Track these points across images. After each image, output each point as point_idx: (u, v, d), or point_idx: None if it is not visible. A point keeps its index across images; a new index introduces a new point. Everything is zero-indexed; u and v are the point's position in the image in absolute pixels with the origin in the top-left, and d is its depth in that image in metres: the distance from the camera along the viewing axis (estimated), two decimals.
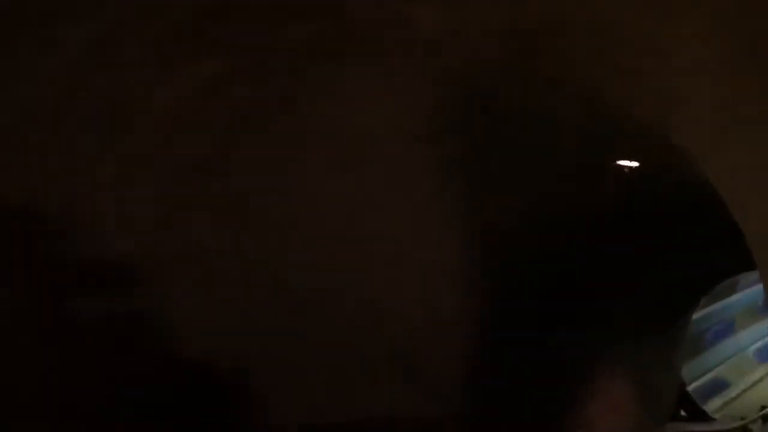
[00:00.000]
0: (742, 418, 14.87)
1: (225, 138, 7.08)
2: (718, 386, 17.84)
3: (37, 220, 6.00)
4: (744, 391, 18.11)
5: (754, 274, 20.01)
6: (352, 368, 9.00)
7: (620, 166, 9.00)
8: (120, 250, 6.65)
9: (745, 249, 13.03)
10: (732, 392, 17.92)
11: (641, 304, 13.64)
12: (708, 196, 8.93)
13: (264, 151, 7.23)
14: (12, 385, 6.25)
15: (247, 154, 7.21)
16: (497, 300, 10.10)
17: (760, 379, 18.85)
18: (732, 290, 19.78)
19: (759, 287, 21.46)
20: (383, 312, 8.98)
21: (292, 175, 7.48)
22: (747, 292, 20.84)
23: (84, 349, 6.59)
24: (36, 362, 6.44)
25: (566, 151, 8.33)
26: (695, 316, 17.17)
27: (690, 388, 16.81)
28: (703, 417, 16.29)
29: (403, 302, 9.15)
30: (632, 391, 14.30)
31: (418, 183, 8.52)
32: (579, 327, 12.13)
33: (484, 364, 10.15)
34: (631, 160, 8.51)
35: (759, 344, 20.22)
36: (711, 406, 16.92)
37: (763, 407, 15.68)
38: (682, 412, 16.45)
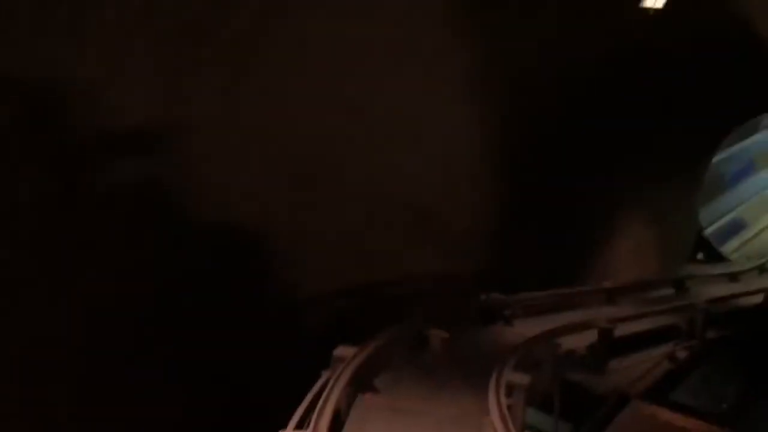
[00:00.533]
0: (759, 259, 14.99)
1: None
2: (735, 227, 17.94)
3: (55, 97, 5.80)
4: (761, 231, 18.23)
5: None
6: (375, 230, 9.00)
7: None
8: (133, 119, 6.42)
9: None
10: (749, 233, 18.05)
11: (666, 146, 13.37)
12: (741, 32, 8.45)
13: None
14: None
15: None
16: (520, 151, 9.89)
17: None
18: (754, 131, 19.44)
19: None
20: (402, 175, 8.83)
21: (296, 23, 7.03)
22: (766, 132, 20.50)
23: (118, 216, 6.57)
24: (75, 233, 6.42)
25: None
26: (715, 158, 16.97)
27: (708, 231, 16.89)
28: (720, 258, 16.48)
29: (422, 165, 8.98)
30: (653, 234, 14.38)
31: (433, 35, 8.06)
32: (605, 172, 11.97)
33: (508, 218, 10.11)
34: None
35: None
36: (728, 247, 17.09)
37: None
38: (700, 254, 16.63)
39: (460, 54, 8.44)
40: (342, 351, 5.75)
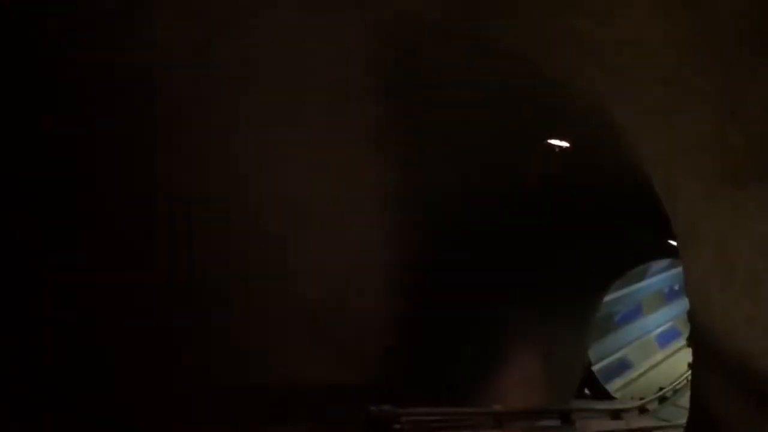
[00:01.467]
0: (641, 398, 15.55)
1: None
2: (621, 367, 18.62)
3: None
4: (644, 372, 18.98)
5: (662, 263, 21.01)
6: (253, 328, 8.77)
7: (553, 144, 9.04)
8: None
9: (659, 237, 13.49)
10: (633, 373, 18.74)
11: (558, 281, 13.97)
12: (637, 179, 9.13)
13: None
14: None
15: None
16: (419, 270, 10.08)
17: (659, 363, 19.84)
18: (642, 276, 20.70)
19: (665, 275, 22.56)
20: (294, 273, 8.75)
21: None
22: (654, 279, 21.90)
23: None
24: None
25: (502, 121, 8.30)
26: (606, 298, 17.83)
27: (595, 368, 17.44)
28: (605, 395, 16.94)
29: (327, 265, 8.98)
30: (543, 366, 14.69)
31: (351, 142, 8.31)
32: (497, 301, 12.31)
33: (403, 335, 10.12)
34: (567, 135, 8.55)
35: (661, 329, 21.30)
36: (613, 385, 17.63)
37: (661, 388, 16.44)
38: (586, 390, 17.06)
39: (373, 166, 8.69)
40: None
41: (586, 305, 16.60)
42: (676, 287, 23.18)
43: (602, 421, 12.94)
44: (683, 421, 14.76)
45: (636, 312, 20.55)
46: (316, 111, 7.72)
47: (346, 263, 9.34)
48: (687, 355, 20.22)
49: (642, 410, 14.95)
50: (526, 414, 10.91)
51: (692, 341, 7.42)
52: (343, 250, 9.27)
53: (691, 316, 5.95)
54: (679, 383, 17.03)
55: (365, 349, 9.87)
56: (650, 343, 20.42)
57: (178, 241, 7.39)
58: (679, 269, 22.97)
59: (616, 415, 13.60)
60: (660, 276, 22.27)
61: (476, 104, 8.16)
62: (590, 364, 17.38)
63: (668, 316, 21.99)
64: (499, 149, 9.24)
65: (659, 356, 20.12)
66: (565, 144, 8.91)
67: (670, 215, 6.27)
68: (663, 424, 13.22)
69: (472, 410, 9.49)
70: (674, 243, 13.64)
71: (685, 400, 16.57)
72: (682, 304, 23.10)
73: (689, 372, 17.62)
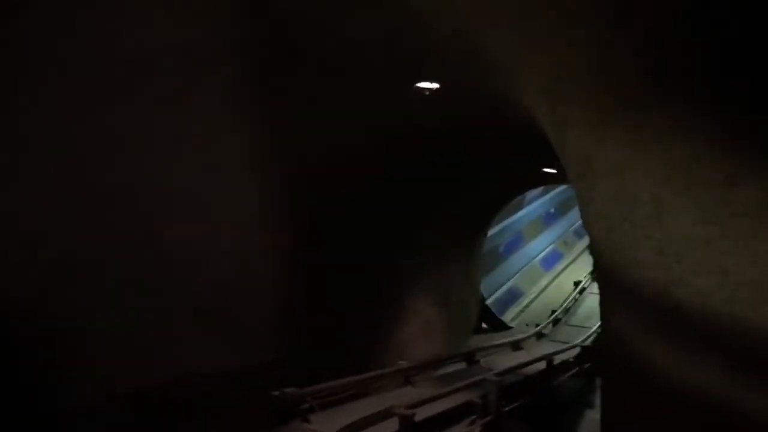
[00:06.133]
0: (537, 325, 15.95)
1: None
2: (512, 296, 19.04)
3: None
4: (534, 298, 19.53)
5: (537, 190, 21.56)
6: (158, 324, 8.00)
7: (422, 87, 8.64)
8: None
9: (536, 166, 13.52)
10: (525, 300, 19.23)
11: (444, 222, 13.86)
12: (514, 111, 8.91)
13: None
14: None
15: None
16: (306, 237, 9.53)
17: (547, 286, 20.50)
18: (520, 206, 21.17)
19: (540, 201, 23.23)
20: (188, 262, 7.98)
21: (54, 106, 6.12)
22: (531, 206, 22.50)
23: None
24: None
25: (369, 71, 7.78)
26: (489, 233, 18.07)
27: (489, 301, 17.70)
28: (502, 326, 17.26)
29: (210, 250, 8.22)
30: (441, 309, 14.67)
31: (208, 112, 7.49)
32: (388, 251, 12.02)
33: (295, 306, 9.58)
34: (436, 77, 8.15)
35: (543, 254, 21.97)
36: (508, 315, 17.99)
37: (553, 311, 16.92)
38: (484, 324, 17.30)
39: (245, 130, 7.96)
40: None
41: (474, 242, 16.71)
42: (552, 211, 23.98)
43: (505, 355, 13.08)
44: (579, 339, 15.34)
45: (518, 241, 21.05)
46: (163, 81, 6.84)
47: (221, 239, 8.61)
48: (570, 275, 21.04)
49: (539, 336, 15.33)
50: (432, 365, 10.73)
51: (597, 276, 7.28)
52: (218, 226, 8.52)
53: (594, 250, 5.77)
54: (568, 304, 17.64)
55: (255, 328, 9.26)
56: (535, 268, 21.03)
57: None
58: (552, 194, 23.78)
59: (516, 346, 13.81)
60: (536, 203, 22.90)
61: (344, 57, 7.58)
62: (484, 299, 17.61)
63: (548, 240, 22.72)
64: (369, 100, 8.74)
65: (545, 280, 20.77)
66: (434, 85, 8.54)
67: (556, 146, 6.02)
68: (562, 347, 13.56)
69: (378, 373, 9.16)
70: (550, 170, 13.83)
71: (575, 319, 17.22)
72: (559, 227, 23.97)
73: (576, 291, 18.31)
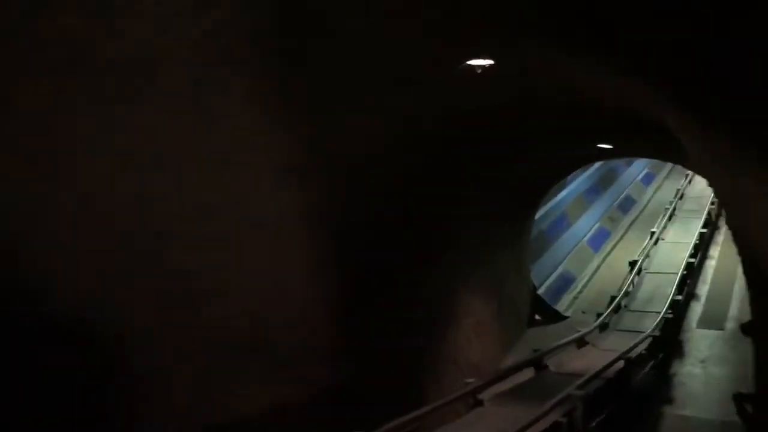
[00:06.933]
0: (598, 314, 14.66)
1: None
2: (565, 282, 17.77)
3: None
4: (587, 282, 18.25)
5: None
6: (225, 361, 7.13)
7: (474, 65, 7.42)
8: None
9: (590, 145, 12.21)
10: (578, 285, 17.96)
11: (492, 208, 12.66)
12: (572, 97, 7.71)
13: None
14: None
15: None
16: (355, 235, 8.42)
17: (598, 268, 19.17)
18: (563, 186, 19.83)
19: (581, 178, 21.88)
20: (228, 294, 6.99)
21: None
22: (573, 185, 21.13)
23: None
24: None
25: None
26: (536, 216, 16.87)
27: (540, 291, 16.47)
28: (557, 317, 16.04)
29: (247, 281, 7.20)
30: (493, 307, 13.51)
31: (232, 116, 6.36)
32: (436, 249, 10.89)
33: (345, 323, 8.48)
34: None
35: (590, 234, 20.61)
36: (562, 304, 16.75)
37: (613, 297, 15.58)
38: (537, 316, 16.09)
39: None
40: None
41: (522, 229, 15.47)
42: (593, 186, 22.56)
43: (571, 354, 11.88)
44: (646, 327, 14.09)
45: (564, 222, 19.70)
46: (177, 83, 5.71)
47: (259, 256, 7.55)
48: (621, 254, 19.68)
49: (602, 327, 14.05)
50: (499, 378, 9.56)
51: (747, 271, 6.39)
52: (252, 244, 7.43)
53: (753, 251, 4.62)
54: (627, 287, 16.26)
55: (303, 353, 8.18)
56: (584, 250, 19.68)
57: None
58: (592, 169, 22.37)
59: (581, 342, 12.57)
60: (577, 180, 21.56)
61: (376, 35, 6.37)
62: (535, 288, 16.37)
63: (594, 219, 21.32)
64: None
65: (596, 261, 19.42)
66: (488, 62, 7.31)
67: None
68: (632, 339, 12.31)
69: (446, 400, 8.01)
70: (606, 146, 12.53)
71: (636, 303, 15.90)
72: (603, 203, 22.56)
73: (634, 272, 16.94)
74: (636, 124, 8.51)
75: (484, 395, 8.75)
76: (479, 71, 7.47)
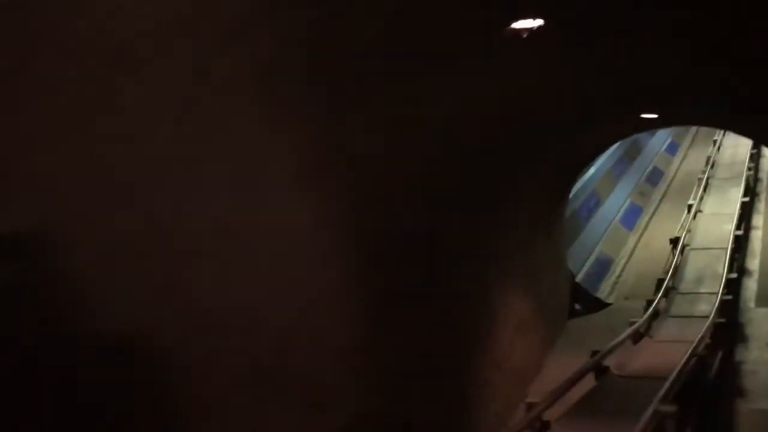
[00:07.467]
0: (649, 301, 13.36)
1: None
2: (603, 266, 16.52)
3: None
4: (625, 263, 17.02)
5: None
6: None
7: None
8: None
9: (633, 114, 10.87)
10: (616, 268, 16.73)
11: (526, 193, 11.43)
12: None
13: None
14: None
15: None
16: (390, 247, 7.23)
17: (635, 247, 17.94)
18: (591, 164, 18.49)
19: (607, 153, 20.54)
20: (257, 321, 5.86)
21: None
22: (600, 161, 19.75)
23: None
24: None
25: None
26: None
27: (579, 278, 15.22)
28: (598, 305, 14.82)
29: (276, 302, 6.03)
30: (533, 303, 12.29)
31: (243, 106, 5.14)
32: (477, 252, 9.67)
33: (380, 347, 7.30)
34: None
35: (623, 211, 19.34)
36: (602, 291, 15.52)
37: (660, 280, 14.29)
38: (577, 306, 14.85)
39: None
40: None
41: (557, 212, 14.20)
42: (619, 160, 21.22)
43: (629, 350, 10.67)
44: (703, 311, 12.88)
45: (594, 201, 18.38)
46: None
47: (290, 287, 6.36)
48: (656, 231, 18.43)
49: (654, 315, 12.79)
50: (561, 390, 8.36)
51: None
52: (284, 275, 6.25)
53: None
54: (671, 267, 14.94)
55: (337, 386, 7.02)
56: (618, 229, 18.39)
57: None
58: (618, 143, 20.97)
59: (637, 337, 11.33)
60: (604, 156, 20.21)
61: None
62: (573, 276, 15.09)
63: (624, 195, 20.01)
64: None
65: (631, 241, 18.16)
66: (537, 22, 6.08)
67: None
68: (692, 327, 11.09)
69: (510, 427, 6.82)
70: (650, 116, 11.24)
71: (684, 285, 14.65)
72: (631, 177, 21.25)
73: (678, 251, 15.64)
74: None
75: (547, 413, 7.56)
76: (525, 35, 6.25)
